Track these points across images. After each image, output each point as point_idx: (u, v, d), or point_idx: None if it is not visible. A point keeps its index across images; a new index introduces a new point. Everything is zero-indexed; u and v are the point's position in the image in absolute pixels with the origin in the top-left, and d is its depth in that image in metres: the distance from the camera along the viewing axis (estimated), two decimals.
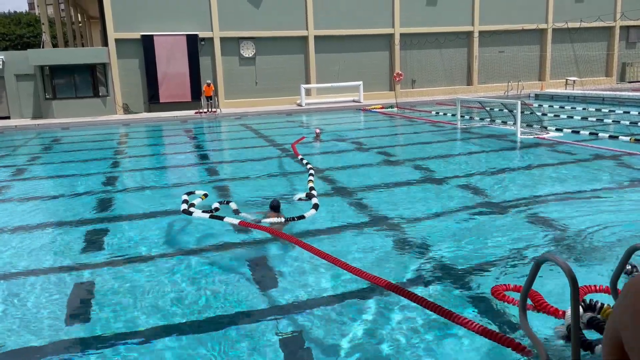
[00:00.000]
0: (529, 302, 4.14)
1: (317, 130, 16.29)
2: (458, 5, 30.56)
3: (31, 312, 4.75)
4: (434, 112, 22.23)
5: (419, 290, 4.76)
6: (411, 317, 4.35)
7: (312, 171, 9.55)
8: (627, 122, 15.63)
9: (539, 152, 12.05)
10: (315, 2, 28.14)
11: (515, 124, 14.66)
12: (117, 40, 25.69)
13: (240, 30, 27.32)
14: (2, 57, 25.28)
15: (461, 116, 17.60)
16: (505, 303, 4.36)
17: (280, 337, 4.13)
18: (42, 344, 4.21)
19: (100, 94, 25.97)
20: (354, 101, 28.33)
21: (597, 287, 4.45)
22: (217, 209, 7.14)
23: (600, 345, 3.37)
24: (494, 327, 4.01)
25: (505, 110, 17.49)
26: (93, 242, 6.79)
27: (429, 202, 8.07)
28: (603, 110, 19.76)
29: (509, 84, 29.65)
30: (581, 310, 3.65)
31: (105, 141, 18.30)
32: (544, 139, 13.69)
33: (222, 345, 4.06)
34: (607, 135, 13.47)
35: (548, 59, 32.56)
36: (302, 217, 6.72)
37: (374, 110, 25.12)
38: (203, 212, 6.83)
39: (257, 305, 4.72)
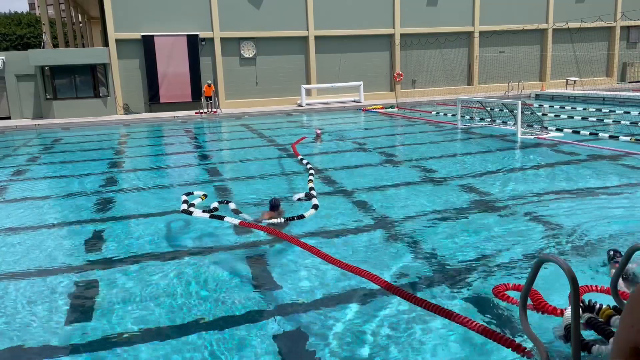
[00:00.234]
0: (529, 301, 4.14)
1: (318, 131, 16.29)
2: (458, 5, 30.56)
3: (31, 312, 4.75)
4: (434, 112, 22.23)
5: (419, 291, 4.76)
6: (411, 317, 4.34)
7: (312, 171, 9.56)
8: (628, 122, 15.62)
9: (539, 152, 12.05)
10: (316, 3, 28.15)
11: (515, 124, 14.66)
12: (117, 41, 25.71)
13: (241, 30, 27.34)
14: (3, 57, 25.30)
15: (461, 116, 17.60)
16: (507, 303, 4.36)
17: (280, 337, 4.13)
18: (42, 344, 4.21)
19: (100, 94, 25.98)
20: (354, 101, 28.33)
21: (598, 288, 4.45)
22: (216, 209, 7.15)
23: (597, 346, 3.37)
24: (494, 328, 4.01)
25: (506, 111, 17.49)
26: (93, 242, 6.79)
27: (429, 202, 8.07)
28: (603, 110, 19.76)
29: (510, 84, 29.65)
30: (580, 310, 3.65)
31: (105, 141, 18.30)
32: (544, 139, 13.69)
33: (223, 345, 4.06)
34: (608, 135, 13.47)
35: (548, 59, 32.56)
36: (301, 216, 6.73)
37: (375, 110, 25.12)
38: (203, 211, 6.84)
39: (256, 305, 4.72)
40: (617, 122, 16.82)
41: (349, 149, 14.14)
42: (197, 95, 26.28)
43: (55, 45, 34.17)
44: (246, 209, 7.64)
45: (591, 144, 12.60)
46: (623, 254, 5.04)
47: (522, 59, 31.79)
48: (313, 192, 8.04)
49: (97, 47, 32.23)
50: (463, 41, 31.00)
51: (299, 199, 7.98)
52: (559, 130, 14.70)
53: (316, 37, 28.46)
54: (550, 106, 22.67)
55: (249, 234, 6.74)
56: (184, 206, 7.05)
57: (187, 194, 7.82)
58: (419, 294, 4.40)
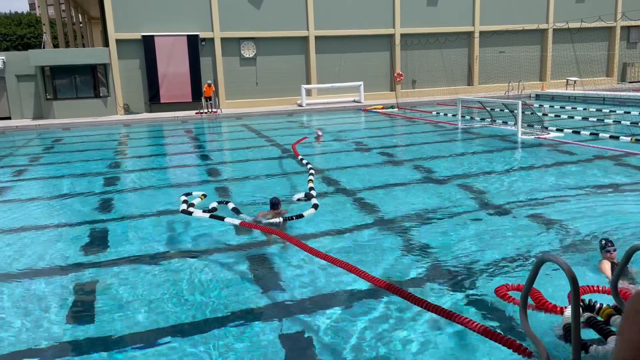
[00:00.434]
0: (530, 301, 4.14)
1: (319, 133, 16.28)
2: (458, 5, 30.55)
3: (32, 313, 4.76)
4: (434, 113, 22.23)
5: (420, 291, 4.76)
6: (411, 317, 4.35)
7: (312, 171, 9.56)
8: (628, 123, 15.61)
9: (539, 153, 12.05)
10: (316, 3, 28.14)
11: (516, 124, 14.66)
12: (117, 41, 25.71)
13: (241, 30, 27.33)
14: (3, 57, 25.30)
15: (462, 116, 17.59)
16: (509, 303, 4.36)
17: (280, 337, 4.13)
18: (43, 344, 4.21)
19: (101, 95, 25.98)
20: (354, 101, 28.33)
21: (598, 288, 4.46)
22: (215, 209, 7.16)
23: (594, 346, 3.37)
24: (496, 328, 4.01)
25: (506, 111, 17.48)
26: (93, 242, 6.80)
27: (430, 203, 8.07)
28: (604, 110, 19.76)
29: (510, 84, 29.63)
30: (580, 310, 3.65)
31: (106, 142, 18.30)
32: (544, 139, 13.69)
33: (223, 345, 4.06)
34: (608, 135, 13.47)
35: (549, 59, 32.55)
36: (300, 216, 6.75)
37: (375, 110, 25.11)
38: (204, 211, 6.85)
39: (256, 305, 4.72)
40: (617, 122, 16.81)
41: (349, 149, 14.14)
42: (198, 95, 26.27)
43: (56, 46, 34.18)
44: (246, 209, 7.64)
45: (591, 144, 12.60)
46: (617, 248, 5.04)
47: (523, 59, 31.78)
48: (313, 192, 8.05)
49: (97, 47, 32.23)
50: (463, 41, 30.99)
51: (298, 199, 7.99)
52: (560, 130, 14.70)
53: (316, 37, 28.46)
54: (550, 106, 22.67)
55: (249, 233, 6.74)
56: (184, 206, 7.05)
57: (187, 194, 7.83)
58: (419, 294, 4.40)
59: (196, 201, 7.53)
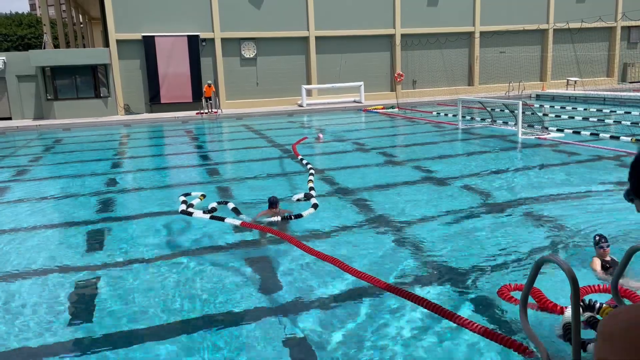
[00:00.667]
0: (531, 301, 4.15)
1: (320, 135, 16.25)
2: (459, 5, 30.55)
3: (33, 313, 4.76)
4: (435, 113, 22.23)
5: (420, 291, 4.76)
6: (411, 317, 4.34)
7: (312, 171, 9.57)
8: (629, 123, 15.61)
9: (540, 153, 12.05)
10: (316, 3, 28.15)
11: (516, 124, 14.66)
12: (118, 41, 25.72)
13: (241, 30, 27.34)
14: (4, 58, 25.31)
15: (462, 117, 17.59)
16: (512, 304, 4.36)
17: (280, 338, 4.13)
18: (44, 344, 4.22)
19: (101, 95, 26.00)
20: (355, 102, 28.33)
21: (599, 287, 4.46)
22: (214, 209, 7.17)
23: (592, 344, 3.37)
24: (498, 328, 4.01)
25: (507, 111, 17.48)
26: (94, 242, 6.80)
27: (430, 203, 8.07)
28: (604, 110, 19.75)
29: (510, 84, 29.63)
30: (581, 310, 3.65)
31: (106, 142, 18.31)
32: (545, 139, 13.69)
33: (223, 345, 4.06)
34: (609, 135, 13.46)
35: (549, 59, 32.54)
36: (299, 215, 6.76)
37: (375, 110, 25.12)
38: (204, 212, 6.85)
39: (256, 306, 4.72)
40: (617, 122, 16.80)
41: (350, 149, 14.14)
42: (198, 95, 26.28)
43: (56, 46, 34.19)
44: (246, 209, 7.64)
45: (592, 144, 12.60)
46: (610, 244, 5.04)
47: (523, 59, 31.77)
48: (312, 192, 8.05)
49: (97, 48, 32.26)
50: (464, 41, 30.99)
51: (298, 200, 8.00)
52: (560, 130, 14.69)
53: (317, 38, 28.46)
54: (551, 106, 22.67)
55: (248, 233, 6.74)
56: (183, 207, 7.06)
57: (185, 195, 7.83)
58: (418, 294, 4.40)
59: (195, 201, 7.53)
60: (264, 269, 5.66)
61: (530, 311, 3.74)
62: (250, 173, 11.16)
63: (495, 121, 17.31)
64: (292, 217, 6.83)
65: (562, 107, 22.06)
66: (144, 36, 25.84)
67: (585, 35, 30.22)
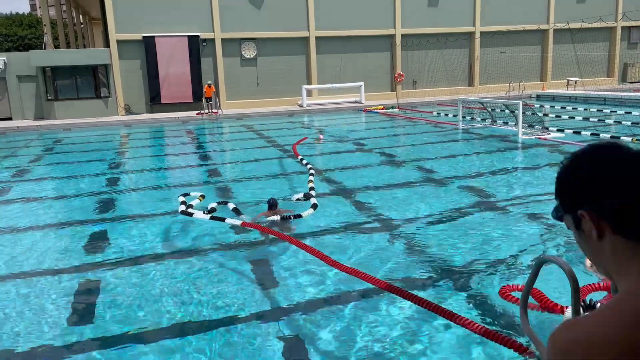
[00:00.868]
0: (532, 301, 4.15)
1: (321, 136, 16.23)
2: (459, 5, 30.55)
3: (34, 313, 4.76)
4: (435, 113, 22.22)
5: (420, 291, 4.76)
6: (411, 317, 4.35)
7: (312, 171, 9.57)
8: (629, 123, 15.60)
9: (540, 153, 12.04)
10: (317, 3, 28.15)
11: (516, 124, 14.65)
12: (118, 41, 25.73)
13: (242, 31, 27.34)
14: (4, 58, 25.32)
15: (462, 117, 17.59)
16: (513, 304, 4.36)
17: (279, 338, 4.13)
18: (45, 344, 4.22)
19: (102, 95, 26.01)
20: (355, 102, 28.33)
21: (599, 285, 4.46)
22: (213, 209, 7.17)
23: None
24: (499, 328, 4.01)
25: (507, 111, 17.48)
26: (93, 242, 6.80)
27: (431, 203, 8.06)
28: (604, 110, 19.74)
29: (510, 84, 29.62)
30: (581, 310, 3.65)
31: (107, 142, 18.32)
32: (545, 139, 13.68)
33: (223, 345, 4.06)
34: (609, 135, 13.46)
35: (549, 59, 32.54)
36: (299, 215, 6.77)
37: (376, 111, 25.11)
38: (204, 212, 6.86)
39: (255, 306, 4.72)
40: (618, 122, 16.80)
41: (350, 149, 14.14)
42: (198, 96, 26.28)
43: (57, 46, 34.22)
44: (246, 209, 7.64)
45: None
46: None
47: (523, 60, 31.77)
48: (313, 192, 8.06)
49: (98, 48, 32.28)
50: (464, 41, 30.99)
51: (297, 200, 8.01)
52: (560, 130, 14.69)
53: (317, 38, 28.47)
54: (551, 106, 22.66)
55: (248, 233, 6.75)
56: (182, 207, 7.06)
57: (185, 195, 7.83)
58: (418, 295, 4.40)
59: (195, 202, 7.53)
60: (264, 268, 5.66)
61: (530, 311, 3.73)
62: (250, 173, 11.16)
63: (495, 121, 17.30)
64: (292, 217, 6.84)
65: (563, 107, 22.05)
66: (144, 36, 25.85)
67: (585, 35, 30.21)
